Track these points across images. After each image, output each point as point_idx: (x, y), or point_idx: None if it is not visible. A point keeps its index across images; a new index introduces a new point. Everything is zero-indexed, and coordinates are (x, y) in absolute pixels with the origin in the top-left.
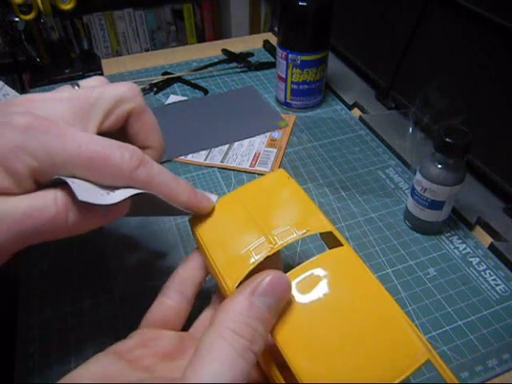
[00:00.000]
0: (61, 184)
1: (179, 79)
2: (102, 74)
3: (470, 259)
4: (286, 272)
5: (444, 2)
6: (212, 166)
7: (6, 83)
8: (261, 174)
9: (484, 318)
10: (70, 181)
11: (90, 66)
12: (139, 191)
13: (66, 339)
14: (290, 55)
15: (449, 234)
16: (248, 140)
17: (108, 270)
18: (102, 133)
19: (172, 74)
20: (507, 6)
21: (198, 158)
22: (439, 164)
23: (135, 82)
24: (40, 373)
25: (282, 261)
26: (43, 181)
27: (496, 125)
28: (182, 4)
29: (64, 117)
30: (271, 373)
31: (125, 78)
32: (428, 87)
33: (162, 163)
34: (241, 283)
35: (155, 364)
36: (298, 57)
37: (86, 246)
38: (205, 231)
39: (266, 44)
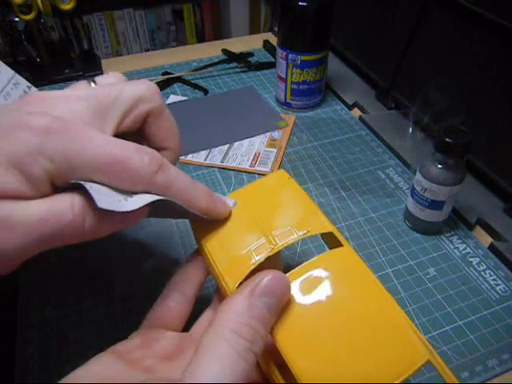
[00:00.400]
0: (77, 188)
1: (179, 79)
2: (102, 74)
3: (470, 259)
4: (286, 272)
5: (444, 2)
6: (212, 166)
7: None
8: (261, 174)
9: (484, 318)
10: (88, 186)
11: (89, 66)
12: (158, 198)
13: (66, 339)
14: (290, 55)
15: (449, 234)
16: (248, 140)
17: (108, 270)
18: (119, 133)
19: (172, 74)
20: (507, 6)
21: (198, 157)
22: (439, 164)
23: None
24: (40, 373)
25: (283, 261)
26: (60, 184)
27: (496, 125)
28: (182, 4)
29: (82, 117)
30: (271, 373)
31: None
32: (428, 87)
33: None
34: (241, 284)
35: (156, 364)
36: (298, 57)
37: (86, 246)
38: (205, 232)
39: (266, 44)
